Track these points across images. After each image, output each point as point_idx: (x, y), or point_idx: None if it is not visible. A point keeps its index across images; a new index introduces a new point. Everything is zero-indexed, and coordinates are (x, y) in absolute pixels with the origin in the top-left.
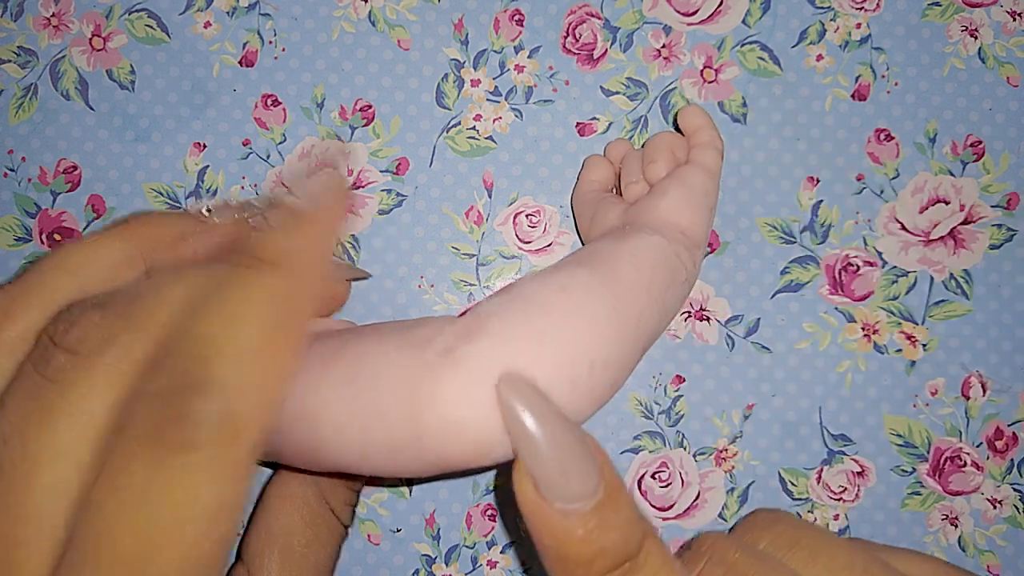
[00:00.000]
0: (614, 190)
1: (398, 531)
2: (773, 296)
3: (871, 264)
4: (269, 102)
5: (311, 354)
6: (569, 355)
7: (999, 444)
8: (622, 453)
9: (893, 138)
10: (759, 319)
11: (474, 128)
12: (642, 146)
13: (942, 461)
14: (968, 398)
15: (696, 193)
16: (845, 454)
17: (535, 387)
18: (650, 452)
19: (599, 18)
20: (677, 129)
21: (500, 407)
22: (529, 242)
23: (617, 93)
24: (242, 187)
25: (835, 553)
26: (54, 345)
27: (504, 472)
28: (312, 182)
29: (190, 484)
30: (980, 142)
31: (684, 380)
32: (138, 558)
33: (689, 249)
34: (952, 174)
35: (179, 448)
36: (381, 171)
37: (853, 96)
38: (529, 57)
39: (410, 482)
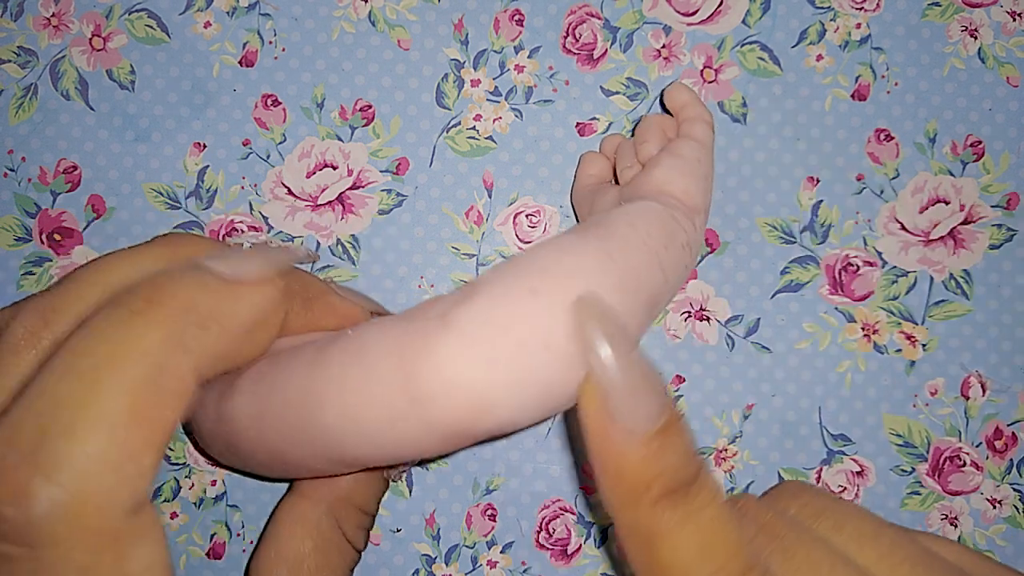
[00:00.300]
0: (611, 181)
1: (398, 531)
2: (773, 296)
3: (871, 264)
4: (269, 102)
5: (306, 347)
6: (566, 307)
7: (998, 444)
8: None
9: (893, 138)
10: (759, 319)
11: (474, 128)
12: (632, 133)
13: (941, 461)
14: (968, 398)
15: (688, 161)
16: (845, 454)
17: (611, 310)
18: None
19: (599, 18)
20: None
21: (576, 328)
22: (529, 242)
23: (617, 93)
24: (242, 187)
25: (861, 523)
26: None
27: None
28: (262, 251)
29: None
30: (980, 142)
31: (684, 380)
32: None
33: (686, 214)
34: (952, 174)
35: (30, 545)
36: (381, 171)
37: (853, 96)
38: (529, 57)
39: (410, 481)
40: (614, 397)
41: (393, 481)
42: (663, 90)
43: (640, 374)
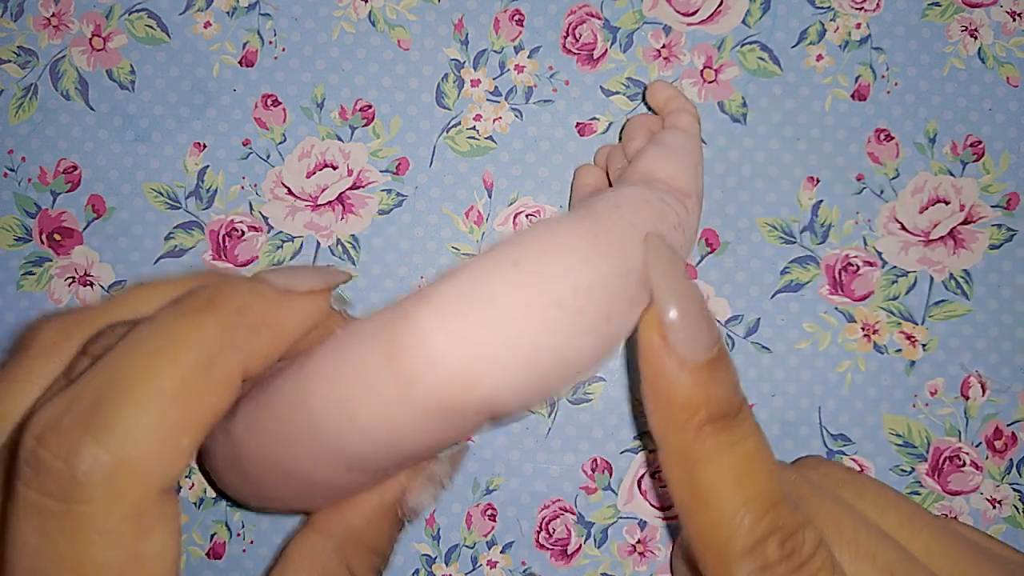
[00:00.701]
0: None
1: None
2: (773, 296)
3: (871, 264)
4: (269, 102)
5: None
6: (548, 276)
7: (998, 444)
8: (622, 453)
9: (893, 138)
10: (759, 319)
11: (474, 128)
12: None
13: (941, 461)
14: (967, 398)
15: (673, 148)
16: (844, 454)
17: (673, 250)
18: (650, 452)
19: (599, 18)
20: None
21: (646, 262)
22: None
23: (617, 93)
24: (242, 187)
25: (882, 492)
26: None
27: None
28: (306, 272)
29: (106, 549)
30: (980, 142)
31: None
32: None
33: (676, 196)
34: (952, 174)
35: (69, 501)
36: (381, 171)
37: (853, 96)
38: (529, 57)
39: None
40: (673, 326)
41: (408, 521)
42: (645, 88)
43: (699, 307)
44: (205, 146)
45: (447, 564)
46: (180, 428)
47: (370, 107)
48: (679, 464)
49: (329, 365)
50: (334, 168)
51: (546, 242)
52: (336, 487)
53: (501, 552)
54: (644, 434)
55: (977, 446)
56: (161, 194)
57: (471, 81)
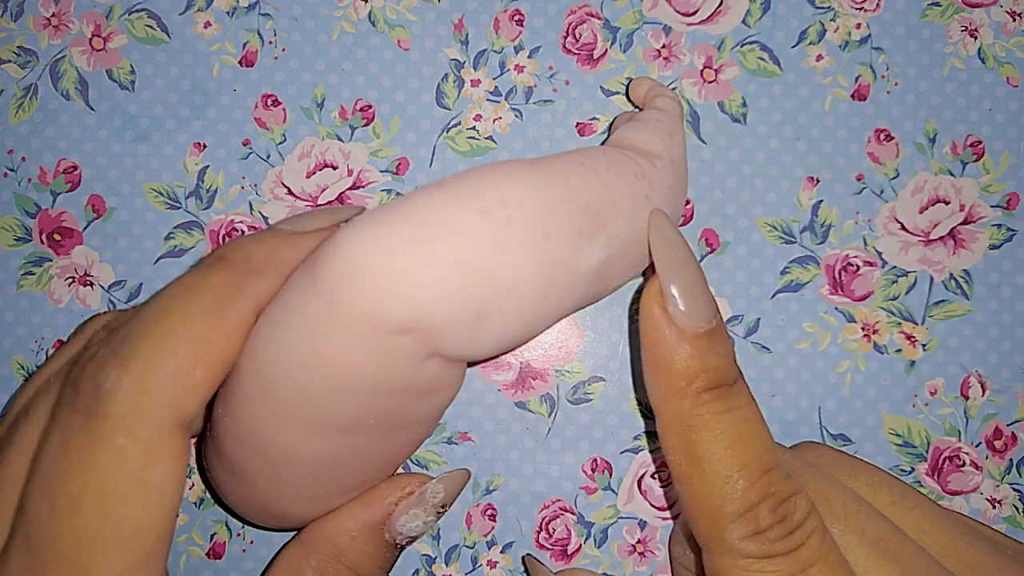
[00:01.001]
0: None
1: None
2: (773, 296)
3: (871, 264)
4: (269, 102)
5: None
6: (472, 189)
7: (998, 444)
8: (622, 453)
9: (893, 138)
10: (759, 319)
11: (474, 128)
12: None
13: (941, 461)
14: (967, 398)
15: (647, 122)
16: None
17: (675, 225)
18: (650, 452)
19: (599, 18)
20: None
21: (649, 236)
22: None
23: (617, 93)
24: (242, 187)
25: (875, 473)
26: None
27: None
28: (311, 215)
29: (112, 455)
30: (980, 142)
31: None
32: (62, 525)
33: (644, 156)
34: (952, 174)
35: (93, 415)
36: (381, 171)
37: (853, 96)
38: (529, 57)
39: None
40: (675, 296)
41: (399, 545)
42: (627, 87)
43: (698, 280)
44: (205, 146)
45: (447, 564)
46: (192, 362)
47: (370, 107)
48: (676, 431)
49: (269, 309)
50: (334, 168)
51: (478, 168)
52: (310, 462)
53: (501, 552)
54: (644, 434)
55: (977, 446)
56: (161, 194)
57: (471, 81)
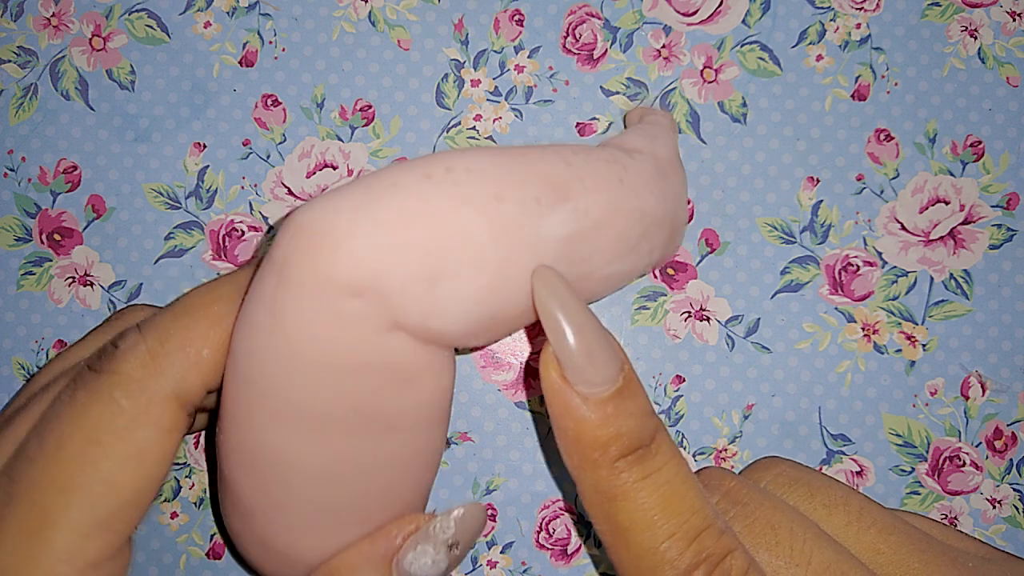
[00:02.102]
0: None
1: None
2: (773, 296)
3: (871, 264)
4: (269, 102)
5: None
6: (421, 160)
7: (998, 444)
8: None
9: (893, 138)
10: (759, 319)
11: (474, 128)
12: None
13: (941, 461)
14: (967, 398)
15: (631, 129)
16: (844, 454)
17: (565, 280)
18: None
19: (599, 18)
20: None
21: (534, 298)
22: None
23: (617, 93)
24: (242, 187)
25: (832, 491)
26: None
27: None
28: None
29: (108, 406)
30: (980, 142)
31: (684, 380)
32: (42, 462)
33: (621, 149)
34: (952, 174)
35: (103, 371)
36: None
37: (853, 96)
38: (529, 57)
39: None
40: (569, 361)
41: None
42: (624, 117)
43: (595, 339)
44: (205, 146)
45: None
46: (202, 341)
47: (370, 107)
48: (598, 501)
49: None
50: (334, 168)
51: (436, 156)
52: (298, 472)
53: (501, 552)
54: None
55: (977, 446)
56: (161, 194)
57: (471, 81)
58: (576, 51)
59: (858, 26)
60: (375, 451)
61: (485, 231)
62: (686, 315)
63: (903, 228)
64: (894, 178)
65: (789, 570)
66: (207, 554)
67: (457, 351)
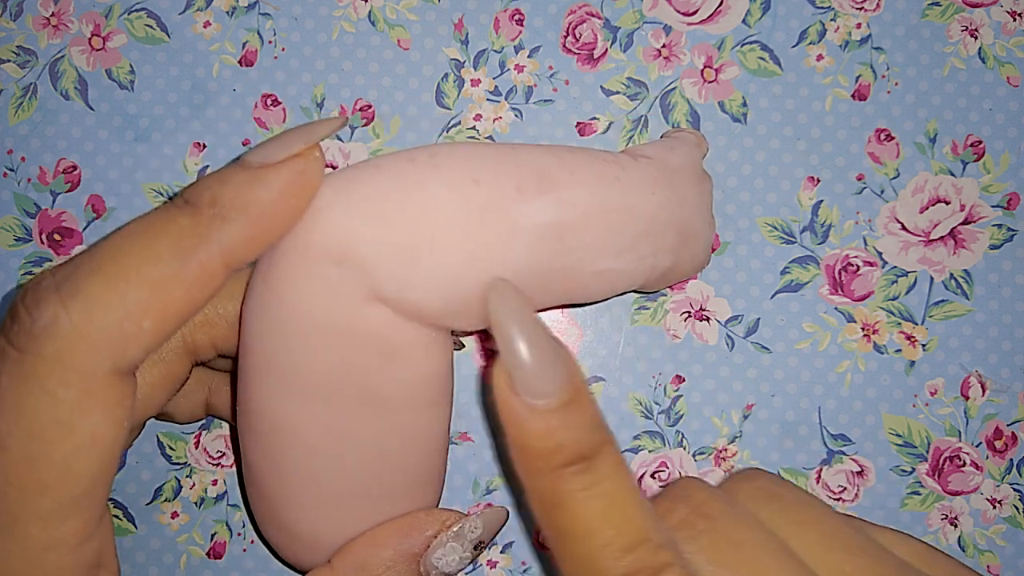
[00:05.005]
0: None
1: None
2: (773, 296)
3: (871, 264)
4: (269, 102)
5: None
6: (408, 150)
7: (998, 444)
8: (622, 453)
9: (893, 138)
10: (759, 319)
11: (474, 128)
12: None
13: (941, 461)
14: (968, 398)
15: (652, 142)
16: (844, 454)
17: (518, 292)
18: (650, 452)
19: (599, 18)
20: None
21: (487, 308)
22: None
23: (617, 93)
24: None
25: (807, 509)
26: None
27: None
28: (274, 142)
29: (43, 399)
30: (980, 142)
31: (684, 380)
32: (11, 464)
33: (627, 153)
34: (952, 174)
35: (25, 351)
36: None
37: (853, 96)
38: (529, 57)
39: None
40: (517, 372)
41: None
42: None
43: (543, 351)
44: (205, 146)
45: None
46: (141, 311)
47: (370, 107)
48: (542, 507)
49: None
50: (334, 168)
51: (428, 148)
52: (301, 442)
53: (501, 552)
54: (644, 434)
55: (977, 446)
56: (161, 194)
57: (471, 81)
58: (576, 51)
59: (858, 26)
60: (373, 429)
61: (458, 208)
62: (686, 315)
63: (903, 228)
64: (894, 178)
65: None
66: (207, 554)
67: (458, 348)
